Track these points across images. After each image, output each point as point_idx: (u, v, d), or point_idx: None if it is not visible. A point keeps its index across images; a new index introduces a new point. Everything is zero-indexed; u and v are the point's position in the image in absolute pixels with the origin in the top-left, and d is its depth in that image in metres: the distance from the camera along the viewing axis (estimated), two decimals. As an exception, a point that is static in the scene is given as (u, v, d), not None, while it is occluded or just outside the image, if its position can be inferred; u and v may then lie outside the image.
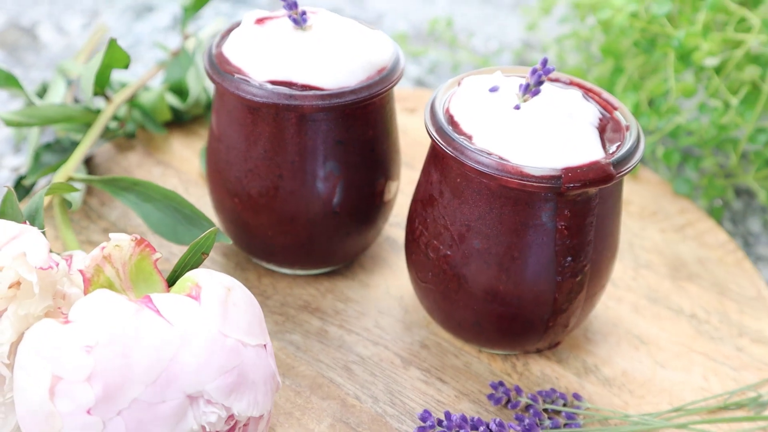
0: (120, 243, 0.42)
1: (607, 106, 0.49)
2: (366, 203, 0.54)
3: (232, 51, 0.51)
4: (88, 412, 0.38)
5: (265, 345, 0.42)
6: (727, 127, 0.63)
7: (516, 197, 0.45)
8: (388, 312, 0.56)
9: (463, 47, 0.86)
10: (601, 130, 0.47)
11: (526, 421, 0.47)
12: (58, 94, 0.70)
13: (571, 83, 0.52)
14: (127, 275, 0.43)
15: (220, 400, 0.39)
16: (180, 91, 0.72)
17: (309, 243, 0.54)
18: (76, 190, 0.52)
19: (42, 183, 0.67)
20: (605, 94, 0.50)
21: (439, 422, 0.46)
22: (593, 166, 0.44)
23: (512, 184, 0.44)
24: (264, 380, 0.42)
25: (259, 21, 0.53)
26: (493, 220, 0.46)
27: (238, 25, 0.54)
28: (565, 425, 0.48)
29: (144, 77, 0.70)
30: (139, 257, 0.43)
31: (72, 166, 0.58)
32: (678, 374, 0.53)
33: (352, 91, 0.49)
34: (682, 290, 0.59)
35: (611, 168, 0.44)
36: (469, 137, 0.46)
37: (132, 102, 0.69)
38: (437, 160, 0.49)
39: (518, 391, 0.50)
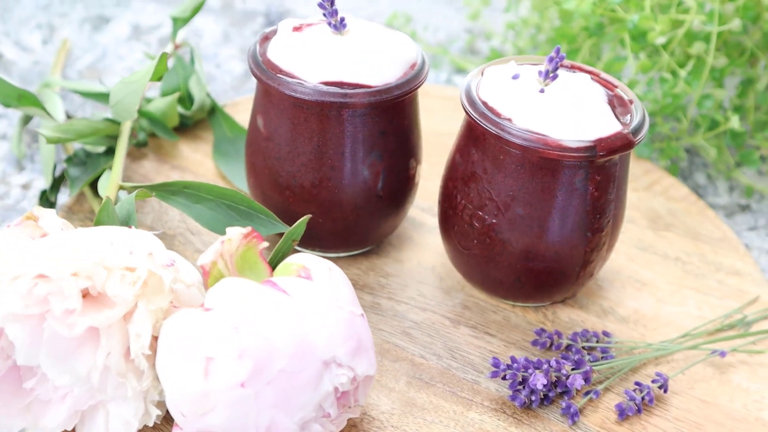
0: (232, 237, 0.47)
1: (608, 85, 0.58)
2: (403, 186, 0.61)
3: (279, 56, 0.56)
4: (242, 385, 0.43)
5: (362, 314, 0.48)
6: (678, 96, 0.73)
7: (554, 167, 0.53)
8: (426, 281, 0.63)
9: (420, 40, 0.93)
10: (612, 105, 0.56)
11: (575, 357, 0.55)
12: (61, 110, 0.72)
13: (573, 67, 0.60)
14: (234, 265, 0.48)
15: (348, 363, 0.45)
16: (180, 97, 0.75)
17: (355, 226, 0.60)
18: (151, 195, 0.55)
19: (63, 198, 0.69)
20: (603, 75, 0.59)
21: (508, 366, 0.54)
22: (618, 135, 0.53)
23: (553, 156, 0.52)
24: (371, 344, 0.48)
25: (297, 29, 0.58)
26: (535, 189, 0.54)
27: (273, 32, 0.59)
28: (602, 357, 0.57)
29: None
30: (245, 248, 0.48)
31: (117, 175, 0.61)
32: (677, 308, 0.62)
33: (396, 87, 0.56)
34: (663, 238, 0.68)
35: (631, 136, 0.53)
36: (509, 119, 0.54)
37: (140, 111, 0.72)
38: (477, 141, 0.56)
39: (558, 334, 0.58)
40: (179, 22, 0.76)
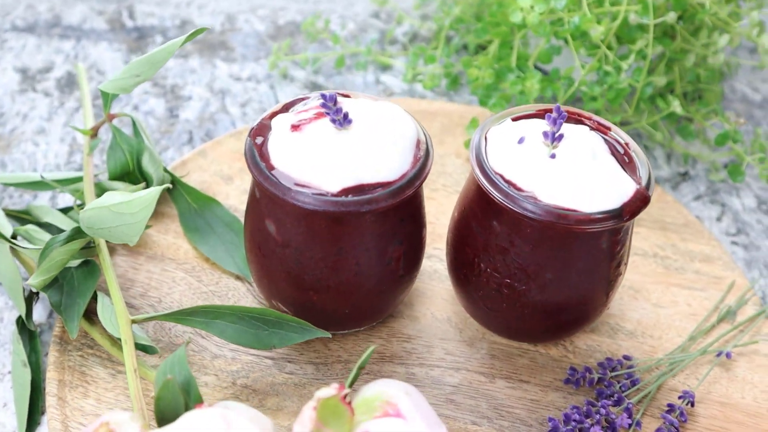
0: (326, 400, 0.46)
1: (603, 130, 0.60)
2: (419, 256, 0.61)
3: (286, 163, 0.54)
4: None
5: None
6: (623, 90, 0.76)
7: (582, 235, 0.55)
8: (448, 337, 0.64)
9: (331, 37, 0.89)
10: (616, 157, 0.58)
11: (609, 391, 0.60)
12: (7, 228, 0.65)
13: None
14: (317, 416, 0.47)
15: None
16: (126, 174, 0.70)
17: (378, 306, 0.60)
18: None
19: (37, 315, 0.64)
20: (595, 117, 0.60)
21: (565, 422, 0.57)
22: (637, 196, 0.55)
23: (584, 229, 0.54)
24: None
25: (295, 127, 0.55)
26: (564, 256, 0.56)
27: (263, 127, 0.56)
28: (632, 382, 0.61)
29: (84, 171, 0.67)
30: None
31: (122, 307, 0.57)
32: (670, 308, 0.68)
33: (415, 176, 0.55)
34: (636, 235, 0.73)
35: (647, 192, 0.56)
36: (532, 195, 0.54)
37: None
38: (500, 215, 0.56)
39: (588, 370, 0.62)
40: (110, 97, 0.69)
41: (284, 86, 0.88)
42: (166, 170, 0.70)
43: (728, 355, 0.63)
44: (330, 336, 0.57)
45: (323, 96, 0.54)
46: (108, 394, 0.58)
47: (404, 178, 0.54)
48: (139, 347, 0.57)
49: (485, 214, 0.58)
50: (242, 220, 0.71)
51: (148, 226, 0.67)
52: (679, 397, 0.61)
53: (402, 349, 0.63)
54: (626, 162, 0.58)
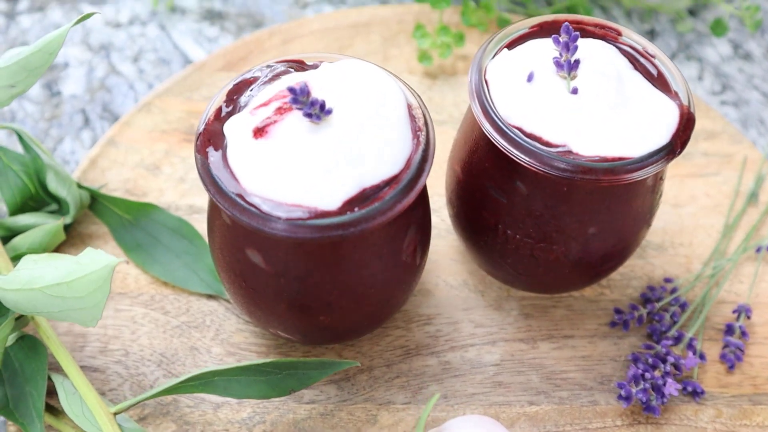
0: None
1: (612, 36, 0.49)
2: (429, 234, 0.51)
3: (264, 186, 0.41)
4: None
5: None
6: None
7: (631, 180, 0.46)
8: (470, 305, 0.56)
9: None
10: (642, 72, 0.48)
11: (662, 328, 0.54)
12: None
13: (555, 23, 0.50)
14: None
15: None
16: (29, 200, 0.55)
17: (397, 303, 0.51)
18: None
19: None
20: (594, 20, 0.50)
21: (634, 381, 0.51)
22: (683, 118, 0.46)
23: (634, 176, 0.45)
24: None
25: (260, 132, 0.42)
26: (608, 207, 0.47)
27: (211, 137, 0.43)
28: (681, 307, 0.55)
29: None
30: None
31: (96, 401, 0.45)
32: (690, 205, 0.61)
33: (422, 159, 0.43)
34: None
35: (691, 110, 0.46)
36: (564, 147, 0.45)
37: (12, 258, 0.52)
38: (527, 176, 0.47)
39: (634, 307, 0.55)
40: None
41: (177, 23, 0.72)
42: (80, 186, 0.56)
43: (769, 249, 0.58)
44: (359, 365, 0.47)
45: (292, 91, 0.41)
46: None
47: (411, 166, 0.43)
48: (131, 438, 0.46)
49: (505, 174, 0.48)
50: (189, 219, 0.58)
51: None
52: (734, 311, 0.55)
53: (425, 334, 0.54)
54: (654, 77, 0.48)
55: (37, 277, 0.42)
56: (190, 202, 0.59)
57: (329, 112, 0.42)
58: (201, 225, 0.57)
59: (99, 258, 0.40)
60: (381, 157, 0.42)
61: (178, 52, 0.70)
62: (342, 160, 0.42)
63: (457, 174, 0.52)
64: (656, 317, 0.55)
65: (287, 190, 0.41)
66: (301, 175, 0.41)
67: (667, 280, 0.57)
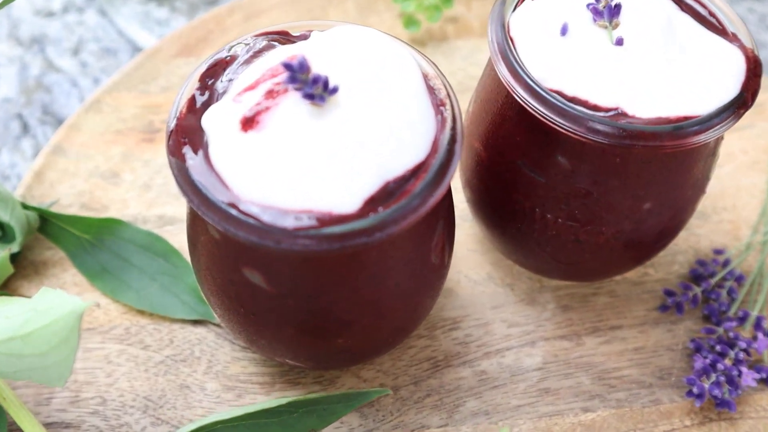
0: None
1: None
2: (454, 228, 0.43)
3: (262, 191, 0.33)
4: None
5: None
6: None
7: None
8: (499, 302, 0.48)
9: None
10: (694, 16, 0.41)
11: (722, 308, 0.47)
12: None
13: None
14: None
15: None
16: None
17: (423, 312, 0.43)
18: None
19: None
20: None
21: (704, 371, 0.44)
22: (751, 64, 0.39)
23: (706, 139, 0.37)
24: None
25: (249, 123, 0.34)
26: (667, 176, 0.40)
27: (186, 134, 0.35)
28: (737, 280, 0.48)
29: None
30: None
31: None
32: (728, 164, 0.54)
33: (451, 139, 0.35)
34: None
35: (756, 54, 0.39)
36: (617, 111, 0.37)
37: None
38: (569, 149, 0.39)
39: (686, 287, 0.48)
40: None
41: (120, 7, 0.62)
42: (26, 206, 0.47)
43: (824, 206, 0.51)
44: (390, 392, 0.39)
45: (288, 67, 0.33)
46: None
47: (439, 148, 0.35)
48: None
49: (542, 149, 0.40)
50: (160, 233, 0.50)
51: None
52: (795, 280, 0.49)
53: (453, 341, 0.47)
54: (705, 18, 0.41)
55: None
56: (160, 212, 0.50)
57: (334, 90, 0.34)
58: (176, 238, 0.49)
59: (61, 301, 0.32)
60: (402, 141, 0.34)
61: (124, 39, 0.61)
62: (356, 148, 0.33)
63: (477, 152, 0.44)
64: (712, 296, 0.48)
65: (291, 192, 0.33)
66: (306, 172, 0.33)
67: (718, 252, 0.50)
